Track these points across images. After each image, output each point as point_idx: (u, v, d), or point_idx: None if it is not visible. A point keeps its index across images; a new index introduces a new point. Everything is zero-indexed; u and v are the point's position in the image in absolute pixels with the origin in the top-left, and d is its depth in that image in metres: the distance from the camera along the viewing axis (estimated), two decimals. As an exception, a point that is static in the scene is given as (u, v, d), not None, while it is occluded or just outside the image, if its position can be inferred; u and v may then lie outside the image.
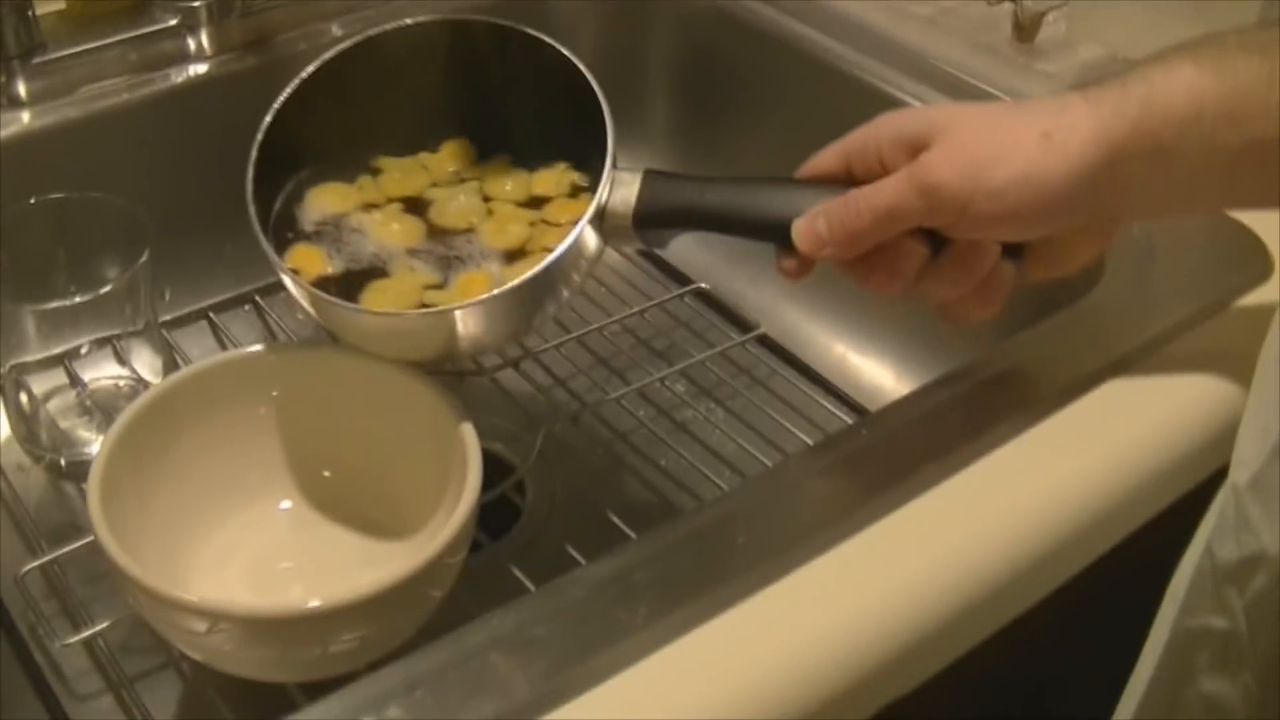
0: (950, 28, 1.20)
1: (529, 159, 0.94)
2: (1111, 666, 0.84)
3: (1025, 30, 1.18)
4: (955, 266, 0.80)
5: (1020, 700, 0.99)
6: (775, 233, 0.82)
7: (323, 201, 0.91)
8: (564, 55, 0.88)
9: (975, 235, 0.79)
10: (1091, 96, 0.77)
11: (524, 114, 0.94)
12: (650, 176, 0.85)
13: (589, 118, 0.85)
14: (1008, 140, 0.77)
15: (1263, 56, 0.74)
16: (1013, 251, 0.81)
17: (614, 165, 0.85)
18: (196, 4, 1.12)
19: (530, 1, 1.19)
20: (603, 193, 0.84)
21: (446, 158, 0.96)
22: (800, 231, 0.81)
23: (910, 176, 0.78)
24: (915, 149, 0.78)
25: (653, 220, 0.85)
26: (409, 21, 0.92)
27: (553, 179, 0.92)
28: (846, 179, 0.82)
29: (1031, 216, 0.77)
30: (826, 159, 0.84)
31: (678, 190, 0.85)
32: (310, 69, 0.90)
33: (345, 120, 0.92)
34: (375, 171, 0.94)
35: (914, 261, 0.80)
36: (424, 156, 0.96)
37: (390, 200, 0.92)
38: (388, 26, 0.92)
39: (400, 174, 0.94)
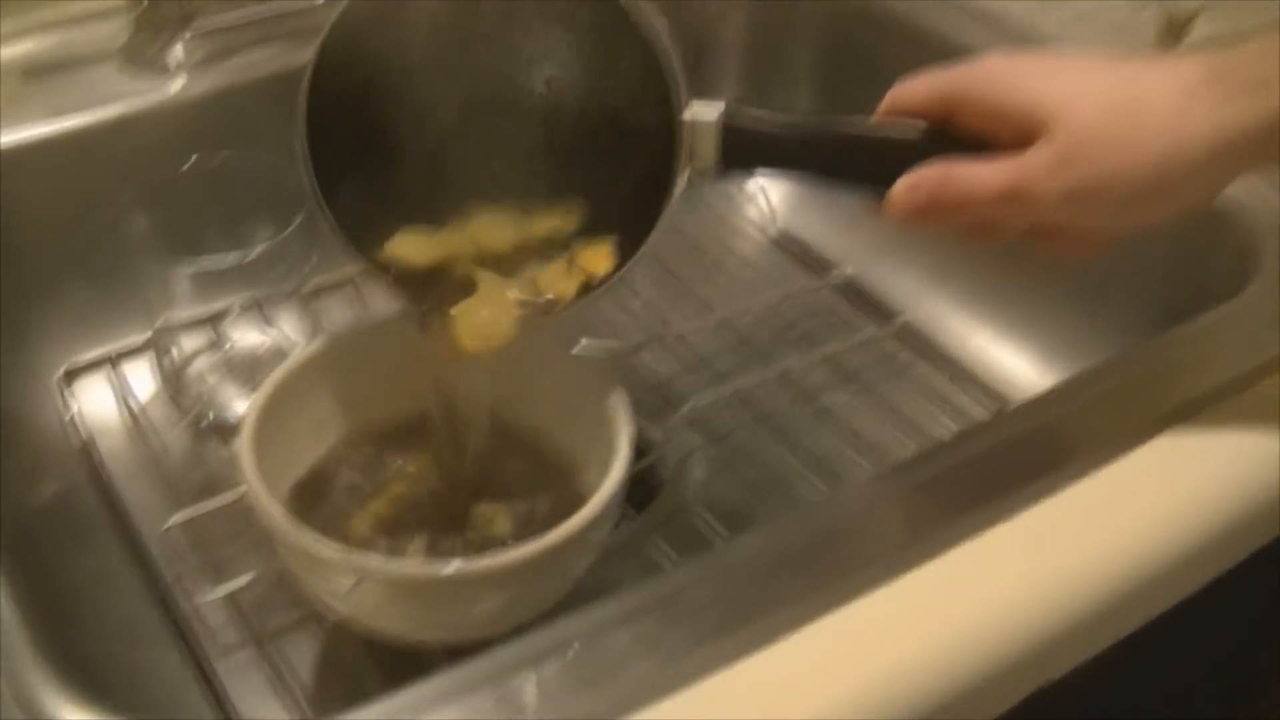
0: (1095, 28, 1.18)
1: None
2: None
3: (1173, 32, 1.16)
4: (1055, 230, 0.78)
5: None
6: (868, 186, 0.79)
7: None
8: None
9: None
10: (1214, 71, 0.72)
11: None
12: (732, 118, 0.79)
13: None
14: (1133, 139, 0.72)
15: None
16: None
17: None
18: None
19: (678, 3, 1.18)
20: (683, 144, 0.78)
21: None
22: (899, 202, 0.76)
23: (1019, 178, 0.73)
24: (1023, 130, 0.73)
25: (735, 164, 0.80)
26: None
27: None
28: (941, 119, 0.77)
29: (1156, 217, 0.75)
30: (920, 92, 0.78)
31: (761, 136, 0.79)
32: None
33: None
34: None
35: (1015, 229, 0.78)
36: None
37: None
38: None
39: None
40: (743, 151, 0.79)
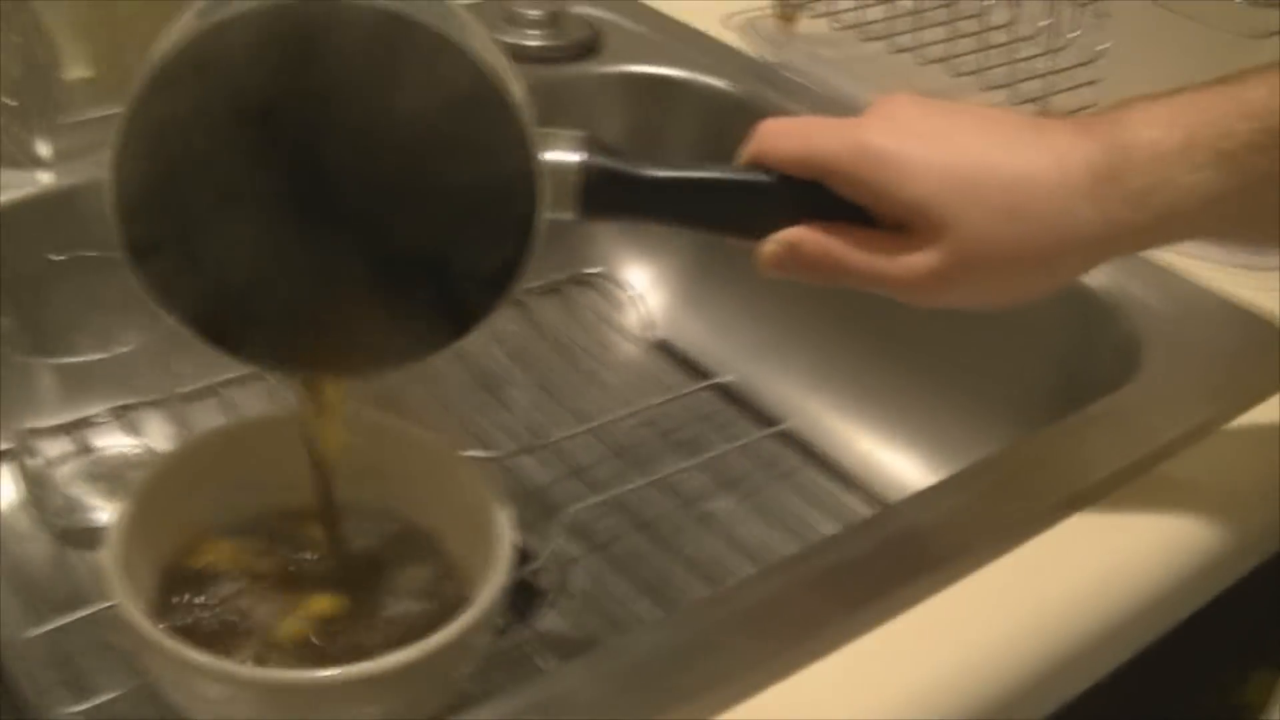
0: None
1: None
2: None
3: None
4: None
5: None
6: (735, 234, 0.77)
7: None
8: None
9: None
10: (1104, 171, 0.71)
11: None
12: (592, 165, 0.74)
13: None
14: (1018, 245, 0.71)
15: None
16: None
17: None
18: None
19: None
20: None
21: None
22: (768, 261, 0.75)
23: (899, 278, 0.72)
24: (904, 221, 0.72)
25: (599, 213, 0.76)
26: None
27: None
28: (811, 180, 0.74)
29: (1029, 297, 0.75)
30: (791, 151, 0.74)
31: (623, 179, 0.75)
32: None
33: None
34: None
35: None
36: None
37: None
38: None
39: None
40: (605, 197, 0.75)
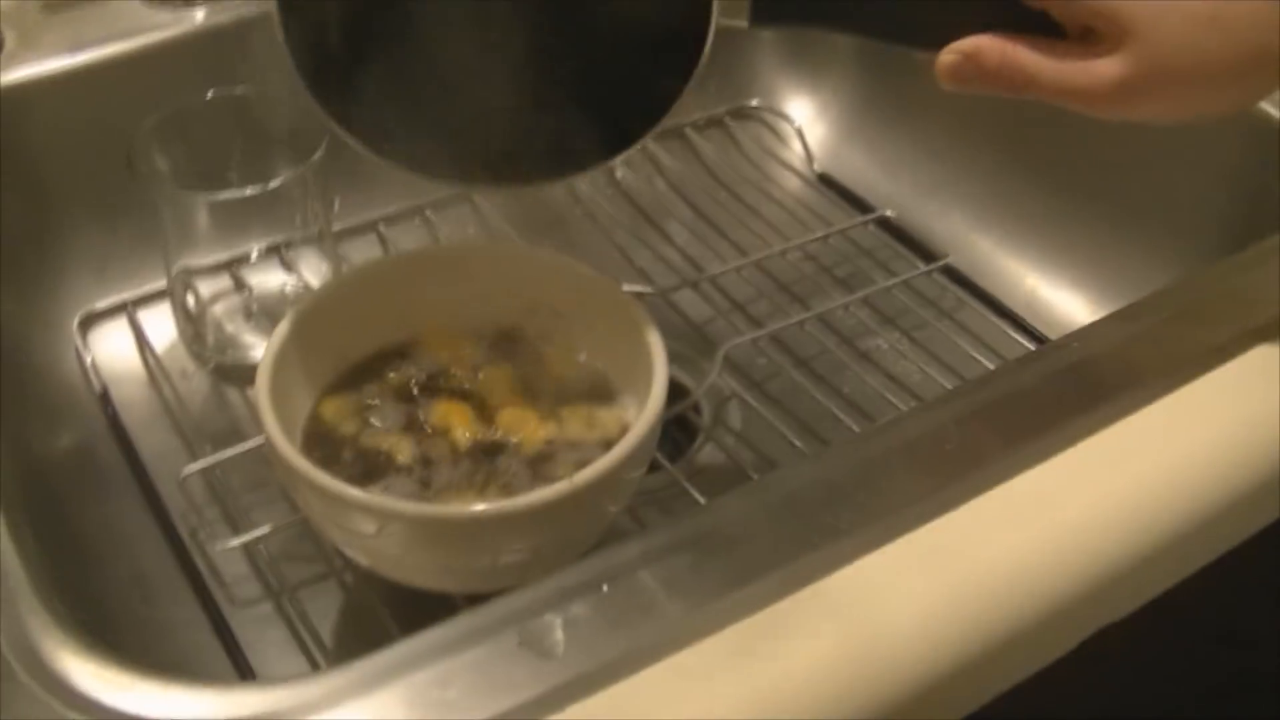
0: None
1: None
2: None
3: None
4: None
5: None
6: (914, 44, 0.74)
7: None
8: None
9: None
10: None
11: None
12: None
13: None
14: (1213, 55, 0.68)
15: None
16: None
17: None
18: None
19: None
20: None
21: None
22: (950, 67, 0.72)
23: (1085, 87, 0.69)
24: (1097, 28, 0.69)
25: (769, 15, 0.73)
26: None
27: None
28: None
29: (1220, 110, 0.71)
30: None
31: None
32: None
33: None
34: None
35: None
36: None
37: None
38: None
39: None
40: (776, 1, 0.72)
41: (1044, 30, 0.71)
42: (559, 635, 0.59)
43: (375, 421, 0.82)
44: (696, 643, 0.60)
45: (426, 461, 0.79)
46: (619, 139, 0.75)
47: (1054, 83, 0.70)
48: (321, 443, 0.81)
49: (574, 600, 0.61)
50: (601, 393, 0.83)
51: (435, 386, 0.84)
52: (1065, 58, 0.70)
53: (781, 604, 0.62)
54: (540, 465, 0.79)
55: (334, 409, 0.83)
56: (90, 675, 0.59)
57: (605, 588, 0.61)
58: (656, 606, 0.61)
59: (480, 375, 0.85)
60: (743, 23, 0.72)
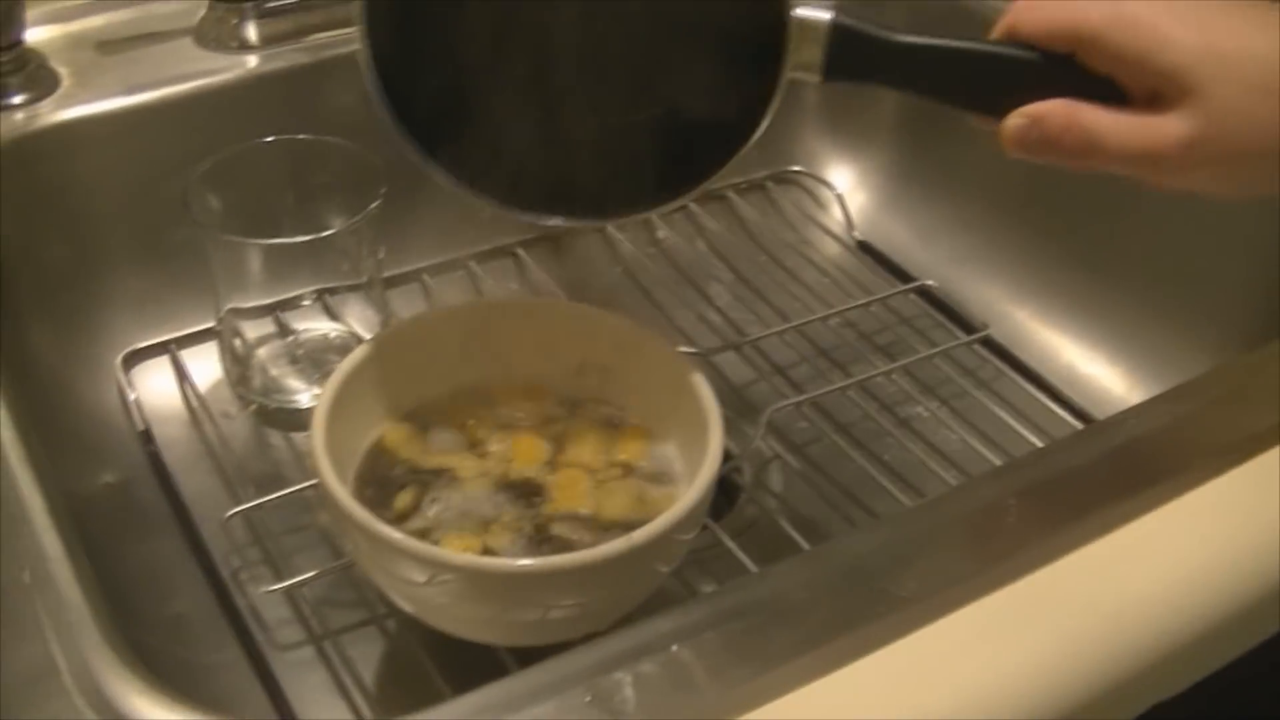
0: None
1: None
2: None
3: None
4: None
5: None
6: (978, 108, 0.75)
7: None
8: None
9: None
10: None
11: None
12: (841, 24, 0.73)
13: None
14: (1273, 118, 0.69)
15: None
16: None
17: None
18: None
19: None
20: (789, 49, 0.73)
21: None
22: (1013, 133, 0.72)
23: (1152, 147, 0.69)
24: (1158, 90, 0.69)
25: (839, 72, 0.75)
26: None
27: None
28: (1063, 52, 0.72)
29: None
30: (1047, 20, 0.72)
31: (871, 42, 0.74)
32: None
33: None
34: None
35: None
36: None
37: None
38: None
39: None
40: (850, 59, 0.74)
41: (1111, 98, 0.71)
42: (629, 693, 0.59)
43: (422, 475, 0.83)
44: (763, 705, 0.60)
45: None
46: (693, 178, 0.77)
47: (1119, 145, 0.70)
48: (373, 483, 0.81)
49: (643, 659, 0.61)
50: (660, 478, 0.84)
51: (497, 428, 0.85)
52: (1128, 121, 0.70)
53: (842, 670, 0.62)
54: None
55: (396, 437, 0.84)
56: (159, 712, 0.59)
57: (675, 648, 0.61)
58: (724, 669, 0.61)
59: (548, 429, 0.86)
60: (815, 77, 0.74)
